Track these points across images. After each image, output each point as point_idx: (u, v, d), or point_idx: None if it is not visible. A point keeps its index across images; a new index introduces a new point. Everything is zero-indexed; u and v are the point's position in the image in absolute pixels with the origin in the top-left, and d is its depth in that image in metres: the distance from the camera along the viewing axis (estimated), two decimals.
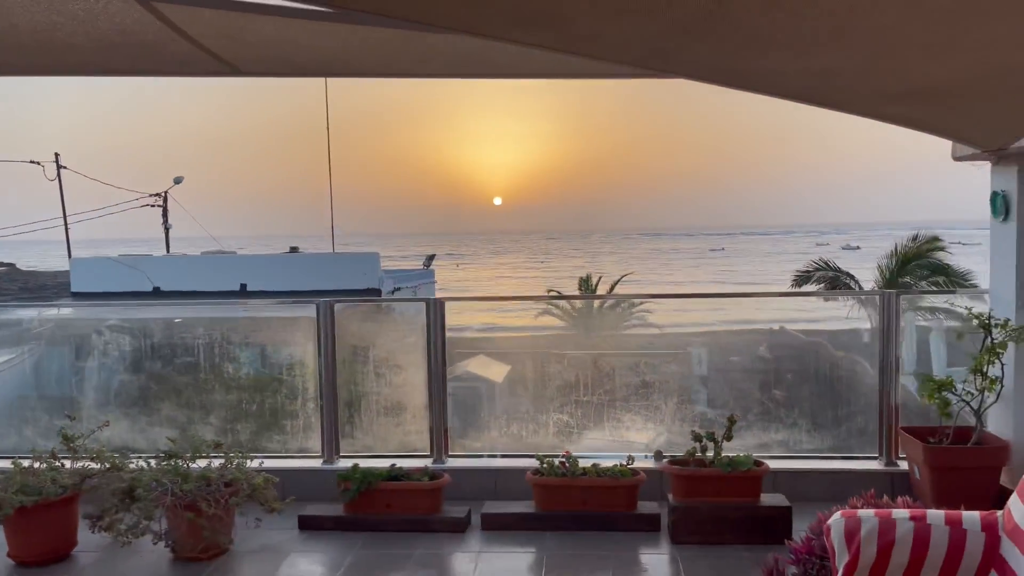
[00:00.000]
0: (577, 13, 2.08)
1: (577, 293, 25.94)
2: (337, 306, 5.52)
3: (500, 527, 4.73)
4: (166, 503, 4.29)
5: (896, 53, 2.31)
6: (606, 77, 2.93)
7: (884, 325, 5.24)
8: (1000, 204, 4.78)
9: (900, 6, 1.94)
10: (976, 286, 19.03)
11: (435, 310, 5.37)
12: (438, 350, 5.37)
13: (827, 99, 2.78)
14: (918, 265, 19.69)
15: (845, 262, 22.64)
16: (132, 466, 4.61)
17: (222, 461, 4.61)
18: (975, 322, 4.74)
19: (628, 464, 4.84)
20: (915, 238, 20.00)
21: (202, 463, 4.58)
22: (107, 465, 4.63)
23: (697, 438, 4.70)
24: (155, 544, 4.35)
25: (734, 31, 2.11)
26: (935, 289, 16.51)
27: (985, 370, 4.67)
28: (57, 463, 4.64)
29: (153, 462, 4.57)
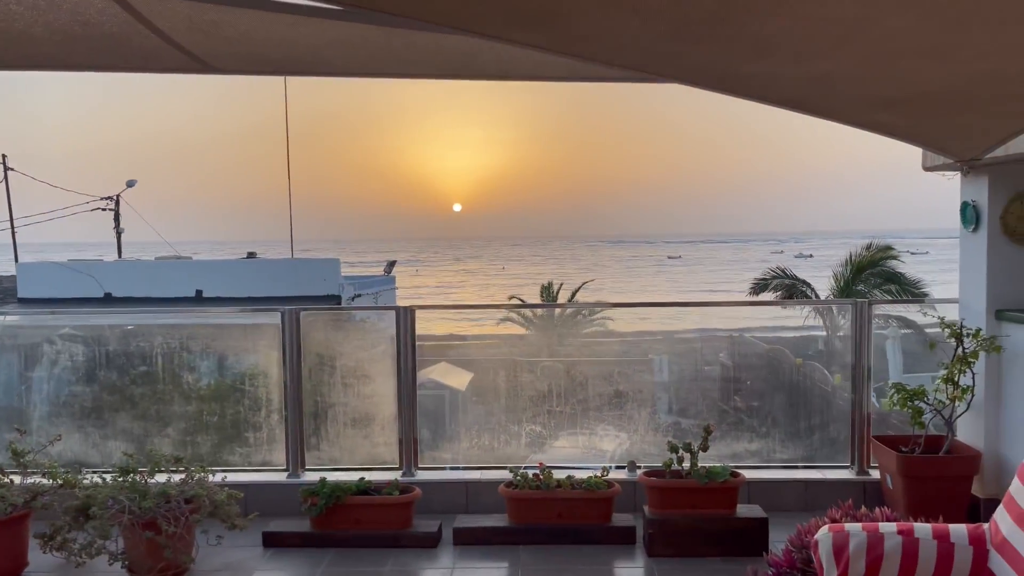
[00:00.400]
0: (577, 13, 1.99)
1: (539, 300, 25.90)
2: (301, 314, 5.35)
3: (473, 541, 4.61)
4: (123, 521, 4.09)
5: (896, 59, 2.27)
6: (595, 80, 2.85)
7: (856, 334, 5.24)
8: (971, 214, 4.81)
9: (908, 12, 1.89)
10: (927, 294, 19.47)
11: (405, 318, 5.23)
12: (408, 360, 5.23)
13: (819, 106, 2.74)
14: (871, 273, 20.08)
15: (800, 270, 23.02)
16: (86, 482, 4.39)
17: (182, 476, 4.42)
18: (947, 331, 4.76)
19: (603, 476, 4.76)
20: (869, 247, 20.42)
21: (161, 478, 4.38)
22: (59, 481, 4.41)
23: (673, 449, 4.64)
24: (111, 564, 4.14)
25: (737, 35, 2.04)
26: (903, 299, 16.75)
27: (957, 379, 4.69)
28: (6, 479, 4.40)
29: (109, 478, 4.36)
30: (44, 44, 2.38)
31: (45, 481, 4.42)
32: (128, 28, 2.23)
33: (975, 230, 4.82)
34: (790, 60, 2.35)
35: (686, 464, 4.63)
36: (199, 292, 19.42)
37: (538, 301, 25.95)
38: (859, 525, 2.95)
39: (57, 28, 2.23)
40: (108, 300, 18.72)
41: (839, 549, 2.87)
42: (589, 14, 2.03)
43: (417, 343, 5.34)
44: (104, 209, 28.09)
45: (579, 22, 2.09)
